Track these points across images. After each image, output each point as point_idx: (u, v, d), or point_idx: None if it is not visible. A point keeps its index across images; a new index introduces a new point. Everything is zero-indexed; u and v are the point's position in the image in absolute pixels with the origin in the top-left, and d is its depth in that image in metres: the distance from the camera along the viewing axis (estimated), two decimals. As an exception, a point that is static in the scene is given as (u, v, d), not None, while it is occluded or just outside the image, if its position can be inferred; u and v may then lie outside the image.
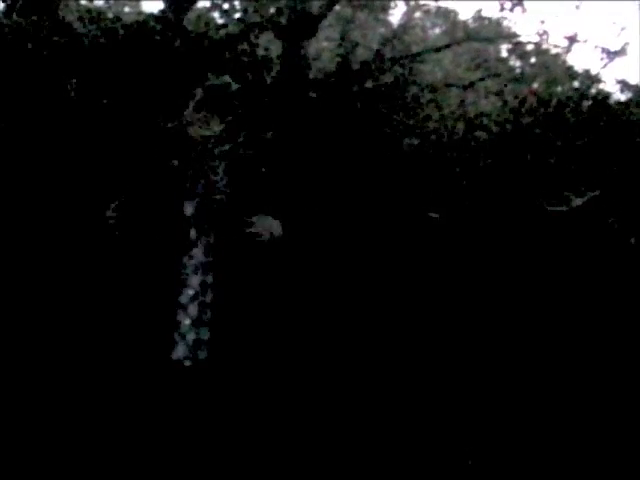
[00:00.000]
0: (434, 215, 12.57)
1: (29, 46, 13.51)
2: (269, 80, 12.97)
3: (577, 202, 12.41)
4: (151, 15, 13.67)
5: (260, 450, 6.77)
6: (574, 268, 11.49)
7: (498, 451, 6.74)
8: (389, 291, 11.25)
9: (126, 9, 15.60)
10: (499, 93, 13.89)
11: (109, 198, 11.10)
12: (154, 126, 10.98)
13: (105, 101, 12.54)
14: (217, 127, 10.21)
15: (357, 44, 14.23)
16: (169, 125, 10.48)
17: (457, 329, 10.40)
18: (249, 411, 7.77)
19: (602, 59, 13.65)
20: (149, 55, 13.36)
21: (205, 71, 11.25)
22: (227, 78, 10.48)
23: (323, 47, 14.67)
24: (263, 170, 10.87)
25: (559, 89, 13.90)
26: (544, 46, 14.01)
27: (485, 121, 13.88)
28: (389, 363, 9.32)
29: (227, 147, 10.19)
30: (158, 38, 13.55)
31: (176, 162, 10.67)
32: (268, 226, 9.89)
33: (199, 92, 10.45)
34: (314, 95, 12.94)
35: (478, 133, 13.95)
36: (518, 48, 14.09)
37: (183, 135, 10.30)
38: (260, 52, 13.81)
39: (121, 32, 13.42)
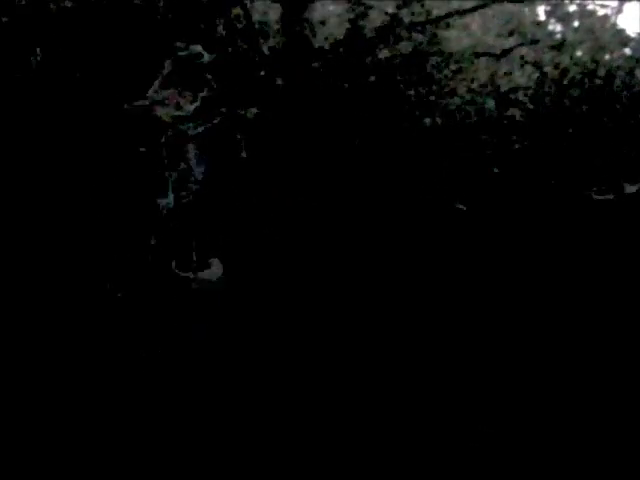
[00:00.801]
0: (461, 207, 10.81)
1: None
2: (266, 50, 11.15)
3: (630, 189, 10.70)
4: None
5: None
6: (623, 263, 9.86)
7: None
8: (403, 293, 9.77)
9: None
10: (536, 63, 11.93)
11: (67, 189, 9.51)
12: (117, 106, 9.28)
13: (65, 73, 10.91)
14: (189, 106, 8.62)
15: (370, 7, 12.29)
16: (133, 105, 8.82)
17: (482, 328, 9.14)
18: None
19: (659, 21, 11.70)
20: (127, 23, 11.70)
21: (178, 40, 9.58)
22: (198, 47, 8.80)
23: (330, 11, 12.78)
24: (244, 156, 9.08)
25: (607, 57, 11.96)
26: (589, 6, 12.04)
27: (520, 96, 11.96)
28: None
29: (200, 129, 8.56)
30: (138, 2, 11.87)
31: (143, 149, 9.07)
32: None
33: (167, 65, 8.83)
34: (317, 65, 11.08)
35: (512, 111, 12.05)
36: (558, 10, 12.10)
37: (149, 116, 8.71)
38: (256, 17, 12.08)
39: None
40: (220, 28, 10.84)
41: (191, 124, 8.60)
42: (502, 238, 10.38)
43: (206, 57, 8.69)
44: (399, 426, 6.35)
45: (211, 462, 5.83)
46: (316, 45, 11.66)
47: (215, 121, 8.63)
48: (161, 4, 10.62)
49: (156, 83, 8.76)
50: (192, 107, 8.62)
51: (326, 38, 12.07)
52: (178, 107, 8.61)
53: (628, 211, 10.31)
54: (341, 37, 11.91)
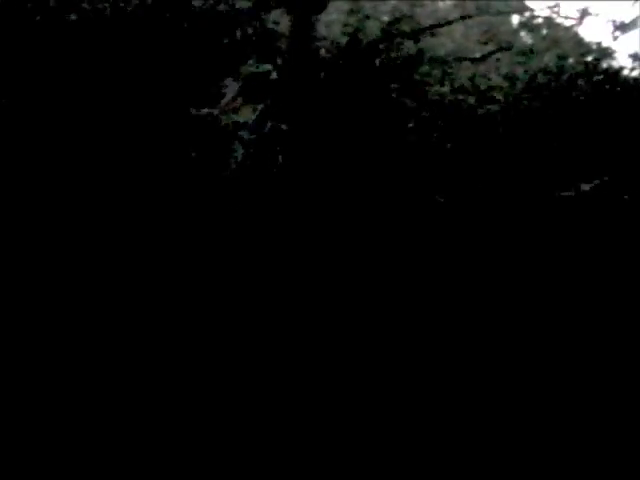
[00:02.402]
0: (440, 199, 12.72)
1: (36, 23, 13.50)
2: (279, 61, 12.96)
3: (585, 188, 12.53)
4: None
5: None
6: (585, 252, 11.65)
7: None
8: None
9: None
10: (510, 68, 13.87)
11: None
12: (180, 112, 10.99)
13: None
14: (251, 116, 10.32)
15: (367, 17, 14.15)
16: (201, 112, 10.50)
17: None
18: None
19: (614, 33, 13.59)
20: (154, 33, 13.34)
21: (237, 57, 11.27)
22: (268, 66, 10.57)
23: (333, 19, 14.58)
24: (280, 161, 11.00)
25: (570, 61, 13.88)
26: (555, 19, 13.94)
27: (496, 95, 13.92)
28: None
29: (253, 137, 10.30)
30: (168, 16, 13.51)
31: (194, 154, 10.78)
32: None
33: (240, 80, 10.50)
34: (323, 75, 12.96)
35: (489, 106, 13.99)
36: (529, 21, 14.00)
37: (215, 124, 10.35)
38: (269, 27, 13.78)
39: (128, 10, 13.37)
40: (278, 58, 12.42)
41: (247, 131, 10.36)
42: (476, 226, 12.23)
43: (274, 75, 10.43)
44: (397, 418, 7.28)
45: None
46: (321, 54, 13.51)
47: (265, 130, 10.42)
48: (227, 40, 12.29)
49: (229, 95, 10.47)
50: (253, 117, 10.37)
51: (330, 45, 13.91)
52: (241, 116, 10.36)
53: (585, 208, 12.15)
54: (343, 45, 13.77)
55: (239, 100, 10.71)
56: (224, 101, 10.55)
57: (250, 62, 10.62)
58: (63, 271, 9.32)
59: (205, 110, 10.59)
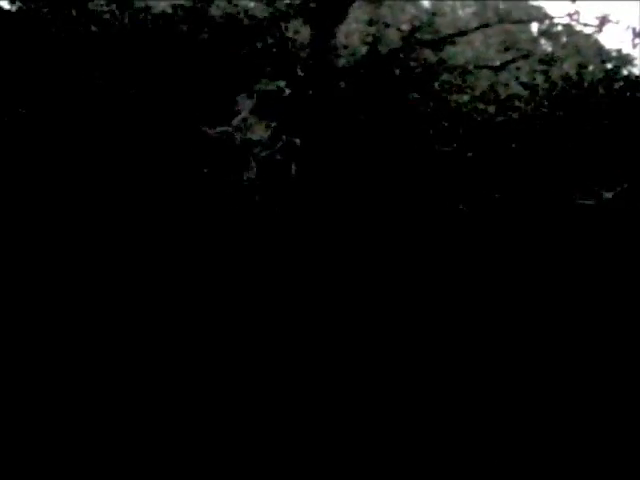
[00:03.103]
0: (464, 208, 12.73)
1: (57, 35, 13.63)
2: (299, 72, 13.01)
3: (606, 196, 12.48)
4: (178, 6, 13.62)
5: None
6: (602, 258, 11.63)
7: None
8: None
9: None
10: (530, 75, 13.85)
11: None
12: (196, 130, 11.11)
13: (132, 92, 12.69)
14: (264, 133, 10.43)
15: (387, 25, 14.16)
16: (217, 130, 10.61)
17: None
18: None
19: (634, 40, 13.53)
20: (176, 44, 13.43)
21: (252, 71, 11.35)
22: (282, 83, 10.66)
23: (352, 29, 14.60)
24: (293, 173, 11.07)
25: (590, 68, 13.84)
26: (575, 27, 13.91)
27: (517, 103, 13.90)
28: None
29: (266, 153, 10.40)
30: (185, 29, 13.60)
31: (206, 170, 10.88)
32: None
33: (254, 98, 10.60)
34: (343, 85, 13.00)
35: (509, 114, 13.95)
36: (549, 29, 13.98)
37: (229, 140, 10.47)
38: (288, 37, 13.82)
39: (149, 24, 13.46)
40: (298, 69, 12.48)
41: (261, 148, 10.46)
42: (497, 235, 12.24)
43: (287, 92, 10.51)
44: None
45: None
46: (341, 63, 13.55)
47: (277, 147, 10.50)
48: (245, 50, 12.37)
49: (244, 113, 10.57)
50: (266, 135, 10.47)
51: (349, 55, 13.94)
52: (254, 134, 10.46)
53: (606, 216, 12.11)
54: (362, 54, 13.80)
55: (253, 118, 10.81)
56: (238, 119, 10.65)
57: (265, 80, 10.71)
58: (95, 268, 9.58)
59: (220, 128, 10.70)
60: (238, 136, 10.68)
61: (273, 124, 10.73)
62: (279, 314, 9.71)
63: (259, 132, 10.80)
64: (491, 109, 13.85)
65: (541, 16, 14.04)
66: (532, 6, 14.15)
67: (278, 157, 11.02)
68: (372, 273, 11.62)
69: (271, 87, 10.68)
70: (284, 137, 10.84)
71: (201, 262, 10.54)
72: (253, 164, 10.65)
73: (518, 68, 14.15)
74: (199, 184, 11.37)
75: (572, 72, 13.64)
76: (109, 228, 10.78)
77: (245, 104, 10.90)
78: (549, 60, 13.79)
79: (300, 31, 14.33)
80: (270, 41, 13.99)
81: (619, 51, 13.84)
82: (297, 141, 11.65)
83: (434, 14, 13.77)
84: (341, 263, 11.71)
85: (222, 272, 10.33)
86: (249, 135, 10.67)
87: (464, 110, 13.69)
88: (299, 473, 6.15)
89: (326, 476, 6.19)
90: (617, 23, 13.73)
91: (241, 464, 6.15)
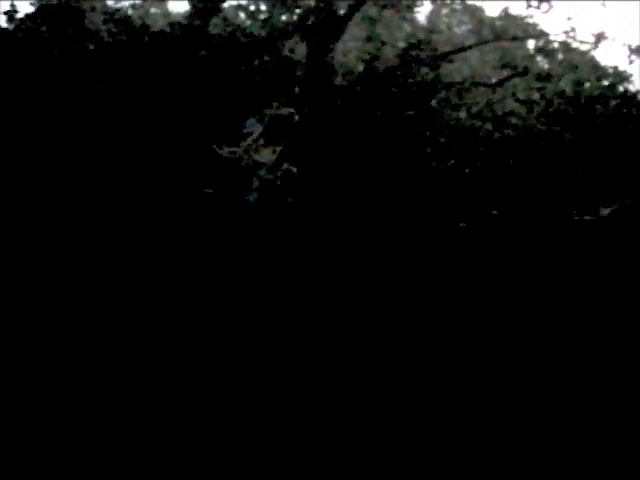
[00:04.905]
0: (463, 224, 12.74)
1: (55, 53, 13.66)
2: (296, 90, 13.04)
3: (604, 212, 12.52)
4: (176, 24, 13.67)
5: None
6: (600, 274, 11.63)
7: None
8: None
9: (152, 10, 15.58)
10: (527, 92, 13.91)
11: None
12: (203, 150, 11.15)
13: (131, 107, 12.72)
14: (271, 156, 10.51)
15: (384, 43, 14.20)
16: (226, 151, 10.68)
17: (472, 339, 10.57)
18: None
19: (629, 56, 13.60)
20: (174, 62, 13.49)
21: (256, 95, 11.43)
22: (291, 109, 10.76)
23: (349, 47, 14.65)
24: (290, 201, 11.11)
25: (587, 85, 13.89)
26: (571, 44, 13.98)
27: (514, 120, 13.93)
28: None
29: (271, 176, 10.48)
30: (183, 46, 13.64)
31: (210, 190, 10.94)
32: None
33: (265, 123, 10.68)
34: (340, 103, 13.02)
35: (506, 131, 13.99)
36: (545, 46, 14.05)
37: (237, 161, 10.56)
38: (285, 56, 13.85)
39: (147, 40, 13.48)
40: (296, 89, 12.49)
41: (265, 171, 10.53)
42: (497, 251, 12.23)
43: (296, 117, 10.60)
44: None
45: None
46: (337, 81, 13.57)
47: (282, 169, 10.58)
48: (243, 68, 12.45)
49: (255, 134, 10.67)
50: (273, 157, 10.55)
51: (346, 72, 13.97)
52: (261, 156, 10.55)
53: (604, 231, 12.12)
54: (359, 71, 13.84)
55: (261, 141, 10.93)
56: (247, 141, 10.77)
57: (275, 105, 10.87)
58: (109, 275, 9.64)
59: (229, 149, 10.83)
60: (245, 158, 10.78)
61: (279, 148, 10.81)
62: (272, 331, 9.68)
63: (266, 156, 10.90)
64: (488, 126, 13.87)
65: (537, 33, 14.10)
66: (528, 23, 14.21)
67: (279, 183, 11.11)
68: (373, 290, 11.57)
69: (282, 112, 10.77)
70: (285, 165, 10.92)
71: (194, 282, 10.56)
72: (255, 186, 10.74)
73: (514, 85, 14.19)
74: (201, 204, 11.41)
75: (568, 89, 13.69)
76: (107, 235, 10.84)
77: (255, 127, 11.01)
78: (545, 77, 13.84)
79: (295, 49, 14.39)
80: (267, 59, 14.05)
81: (615, 68, 13.91)
82: (294, 169, 11.74)
83: (430, 32, 13.81)
84: (337, 281, 11.68)
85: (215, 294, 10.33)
86: (256, 157, 10.77)
87: (461, 127, 13.71)
88: (299, 473, 6.07)
89: (326, 476, 6.09)
90: (613, 40, 13.80)
91: (241, 464, 6.08)
